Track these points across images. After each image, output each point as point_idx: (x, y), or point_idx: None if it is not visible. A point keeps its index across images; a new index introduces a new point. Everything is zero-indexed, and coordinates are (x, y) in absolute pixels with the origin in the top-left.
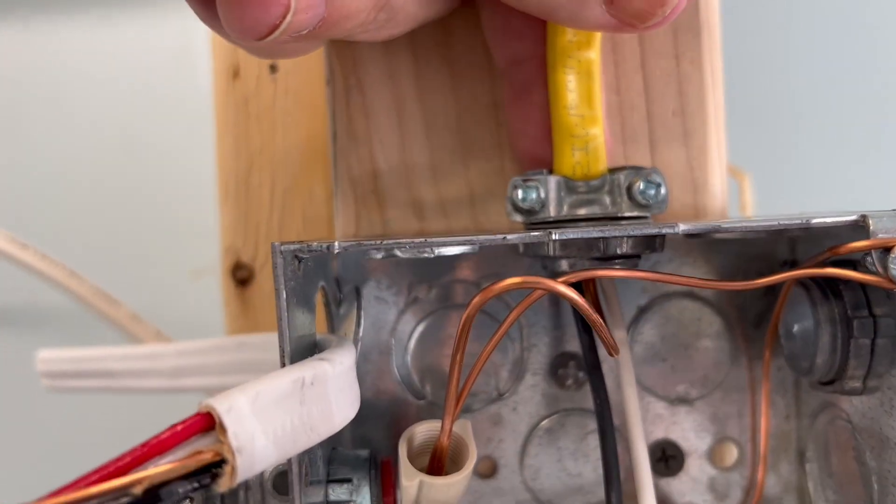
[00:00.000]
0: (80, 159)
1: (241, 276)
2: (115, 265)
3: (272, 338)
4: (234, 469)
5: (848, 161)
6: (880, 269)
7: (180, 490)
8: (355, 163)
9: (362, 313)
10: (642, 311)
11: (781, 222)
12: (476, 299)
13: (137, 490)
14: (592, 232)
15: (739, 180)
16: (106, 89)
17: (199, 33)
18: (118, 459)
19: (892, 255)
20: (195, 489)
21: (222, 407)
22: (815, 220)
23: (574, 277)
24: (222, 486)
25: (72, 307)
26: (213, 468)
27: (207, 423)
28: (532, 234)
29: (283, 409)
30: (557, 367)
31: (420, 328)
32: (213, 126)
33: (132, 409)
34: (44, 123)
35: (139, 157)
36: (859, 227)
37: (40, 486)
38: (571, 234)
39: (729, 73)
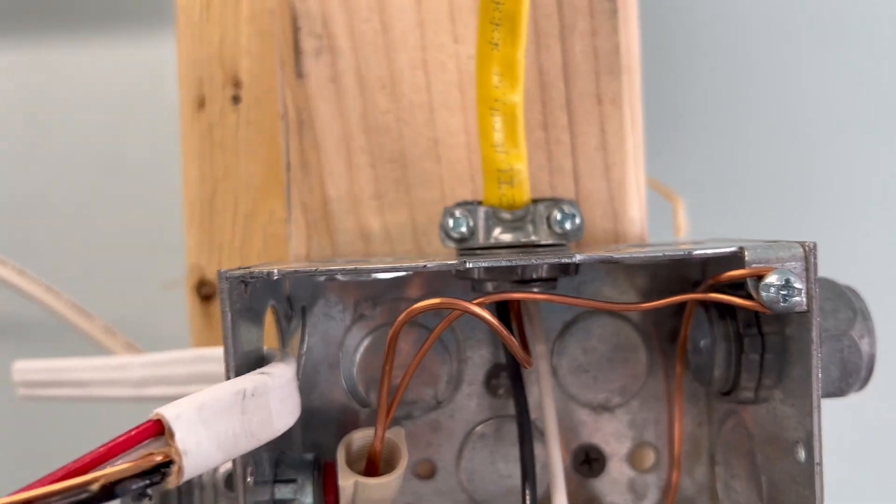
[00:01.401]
0: (57, 180)
1: (205, 293)
2: (91, 279)
3: None
4: (180, 469)
5: (791, 184)
6: (755, 295)
7: (133, 486)
8: (307, 192)
9: (307, 331)
10: (567, 326)
11: (667, 253)
12: (400, 318)
13: (95, 487)
14: (501, 262)
15: (674, 203)
16: (82, 111)
17: (168, 63)
18: (79, 461)
19: (762, 283)
20: (147, 486)
21: (171, 414)
22: (696, 252)
23: (488, 299)
24: (171, 483)
25: (49, 319)
26: (163, 468)
27: (158, 428)
28: (449, 262)
29: (226, 418)
30: (491, 378)
31: (365, 342)
32: (180, 153)
33: (102, 419)
34: (21, 144)
35: (114, 177)
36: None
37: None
38: (483, 263)
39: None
